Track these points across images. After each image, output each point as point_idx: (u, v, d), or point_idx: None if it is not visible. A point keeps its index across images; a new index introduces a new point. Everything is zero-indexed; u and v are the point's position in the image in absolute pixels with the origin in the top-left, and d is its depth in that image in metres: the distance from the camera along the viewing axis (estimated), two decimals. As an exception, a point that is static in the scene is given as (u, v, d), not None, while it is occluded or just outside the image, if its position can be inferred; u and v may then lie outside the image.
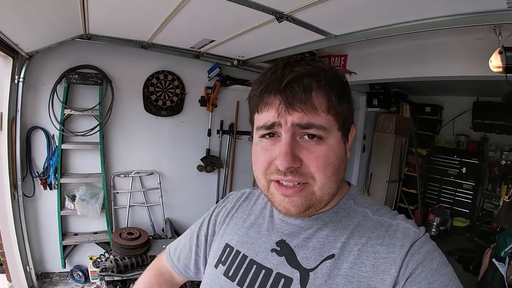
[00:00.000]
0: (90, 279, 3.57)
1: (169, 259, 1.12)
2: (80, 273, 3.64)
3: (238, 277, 0.82)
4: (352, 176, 6.23)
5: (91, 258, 3.64)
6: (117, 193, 3.85)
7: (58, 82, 3.40)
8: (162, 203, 4.00)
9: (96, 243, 3.68)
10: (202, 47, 3.47)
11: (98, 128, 3.53)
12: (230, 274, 0.84)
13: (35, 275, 3.41)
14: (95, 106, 3.52)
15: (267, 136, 0.74)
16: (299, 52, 3.22)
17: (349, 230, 0.75)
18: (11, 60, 2.99)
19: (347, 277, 0.69)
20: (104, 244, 3.69)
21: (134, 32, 3.19)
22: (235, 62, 3.97)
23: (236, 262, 0.85)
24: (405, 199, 6.48)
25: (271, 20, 2.37)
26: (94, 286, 3.40)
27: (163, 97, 3.93)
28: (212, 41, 3.22)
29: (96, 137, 3.58)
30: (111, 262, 3.11)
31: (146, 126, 3.94)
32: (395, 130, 6.01)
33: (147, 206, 3.99)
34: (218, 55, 3.81)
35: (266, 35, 2.86)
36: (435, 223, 5.74)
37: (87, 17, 2.66)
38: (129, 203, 3.87)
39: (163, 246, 1.21)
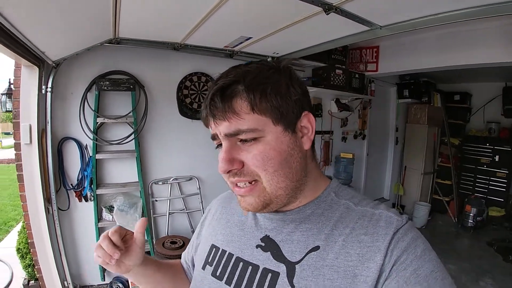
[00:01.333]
0: (132, 291, 3.36)
1: (182, 258, 1.16)
2: (120, 285, 3.42)
3: (226, 276, 0.82)
4: (386, 170, 6.06)
5: (131, 270, 3.42)
6: (156, 201, 3.64)
7: (88, 89, 3.20)
8: (203, 208, 3.76)
9: (136, 255, 3.45)
10: (237, 45, 3.24)
11: (133, 135, 3.32)
12: (217, 274, 0.85)
13: (74, 289, 3.23)
14: (129, 113, 3.30)
15: (218, 147, 0.78)
16: (338, 45, 3.09)
17: (332, 221, 0.75)
18: (37, 69, 2.79)
19: (333, 267, 0.69)
20: (145, 254, 3.45)
21: (167, 34, 2.98)
22: (269, 60, 3.70)
23: (223, 261, 0.86)
24: (439, 191, 6.22)
25: (318, 13, 2.18)
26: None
27: (198, 100, 3.71)
28: (249, 38, 2.99)
29: (131, 145, 3.36)
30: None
31: (182, 130, 3.72)
32: (427, 121, 5.82)
33: (187, 212, 3.76)
34: (252, 53, 3.56)
35: (305, 30, 2.64)
36: (471, 214, 5.53)
37: (118, 20, 2.46)
38: (169, 210, 3.65)
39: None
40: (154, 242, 3.44)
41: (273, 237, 0.80)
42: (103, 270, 3.38)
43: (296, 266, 0.73)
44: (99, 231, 3.32)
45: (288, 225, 0.79)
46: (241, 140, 0.72)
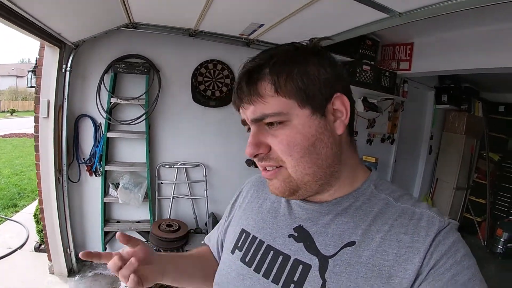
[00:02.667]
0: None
1: (207, 240, 1.12)
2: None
3: (255, 263, 0.78)
4: (415, 180, 5.52)
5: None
6: (162, 183, 3.63)
7: (106, 71, 3.27)
8: (207, 196, 3.72)
9: (137, 232, 3.50)
10: (252, 33, 3.13)
11: (144, 117, 3.32)
12: (247, 260, 0.81)
13: (75, 257, 3.35)
14: (142, 95, 3.31)
15: (249, 131, 0.74)
16: (354, 35, 2.85)
17: (370, 216, 0.70)
18: (58, 50, 2.95)
19: (368, 265, 0.65)
20: (145, 234, 3.50)
21: (179, 20, 2.97)
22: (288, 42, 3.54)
23: (253, 247, 0.81)
24: (471, 209, 5.60)
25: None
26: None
27: (212, 87, 3.63)
28: (261, 25, 2.86)
29: (142, 126, 3.38)
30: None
31: (193, 117, 3.67)
32: (465, 131, 5.27)
33: (191, 198, 3.72)
34: (270, 42, 3.40)
35: (318, 17, 2.48)
36: (502, 239, 4.82)
37: (128, 5, 2.48)
38: (173, 194, 3.64)
39: (202, 242, 1.17)
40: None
41: (307, 228, 0.76)
42: (105, 243, 3.46)
43: (330, 260, 0.69)
44: (105, 205, 3.41)
45: (324, 216, 0.75)
46: (268, 124, 0.70)
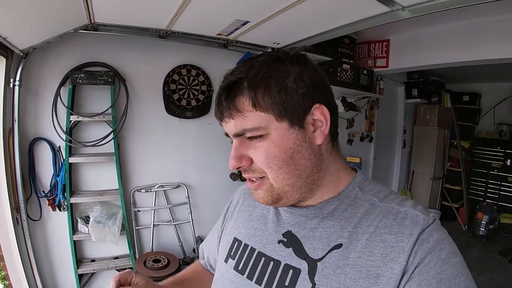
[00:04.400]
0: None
1: (201, 256, 1.13)
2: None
3: (248, 270, 0.79)
4: (392, 175, 5.52)
5: (112, 287, 2.92)
6: (139, 211, 3.09)
7: (62, 84, 2.69)
8: (192, 219, 3.23)
9: (116, 270, 2.92)
10: (232, 32, 2.74)
11: (111, 135, 2.78)
12: (240, 268, 0.81)
13: (48, 305, 2.74)
14: (107, 109, 2.76)
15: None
16: (347, 33, 2.67)
17: (356, 218, 0.70)
18: (4, 60, 2.38)
19: (356, 266, 0.65)
20: (126, 271, 2.96)
21: (149, 19, 2.52)
22: (269, 51, 3.18)
23: (245, 255, 0.82)
24: (448, 197, 5.72)
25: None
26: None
27: (187, 96, 3.16)
28: (246, 22, 2.48)
29: (110, 147, 2.83)
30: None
31: (169, 130, 3.19)
32: (437, 122, 5.31)
33: (175, 224, 3.22)
34: (249, 43, 3.04)
35: (310, 12, 2.21)
36: (483, 222, 5.05)
37: (90, 1, 2.03)
38: (154, 222, 3.11)
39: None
40: (136, 258, 2.92)
41: (295, 233, 0.76)
42: (80, 283, 2.86)
43: (318, 263, 0.69)
44: (75, 244, 2.82)
45: (311, 220, 0.75)
46: (249, 137, 0.70)
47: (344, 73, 3.76)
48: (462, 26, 3.13)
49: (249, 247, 0.83)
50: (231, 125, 0.70)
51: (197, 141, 3.30)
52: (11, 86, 2.46)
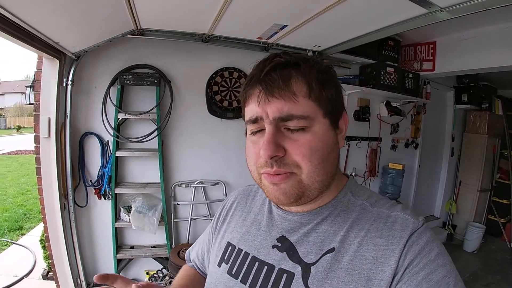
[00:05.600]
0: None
1: (187, 259, 1.13)
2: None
3: (242, 274, 0.79)
4: (438, 184, 5.14)
5: (147, 273, 3.07)
6: (178, 204, 3.19)
7: (112, 84, 2.86)
8: (228, 216, 3.28)
9: (153, 258, 3.09)
10: (271, 36, 2.73)
11: (156, 133, 2.91)
12: (233, 272, 0.80)
13: (86, 287, 2.92)
14: (152, 109, 2.88)
15: (256, 132, 0.71)
16: (388, 34, 2.48)
17: (348, 223, 0.71)
18: (57, 62, 2.53)
19: (348, 269, 0.65)
20: (162, 259, 3.08)
21: (192, 24, 2.57)
22: (310, 54, 3.13)
23: (239, 260, 0.82)
24: (495, 211, 5.20)
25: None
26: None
27: (228, 97, 3.20)
28: (284, 26, 2.47)
29: (154, 143, 2.96)
30: (165, 284, 2.60)
31: (210, 130, 3.24)
32: (487, 130, 4.87)
33: (211, 219, 3.28)
34: (290, 46, 3.00)
35: (348, 15, 2.16)
36: None
37: (134, 9, 2.12)
38: (191, 215, 3.20)
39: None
40: (172, 248, 3.04)
41: (289, 238, 0.76)
42: (119, 272, 3.02)
43: (312, 267, 0.69)
44: (116, 231, 3.00)
45: (305, 226, 0.75)
46: (289, 128, 0.66)
47: (388, 76, 3.62)
48: (503, 29, 2.94)
49: (243, 251, 0.82)
50: (276, 106, 0.65)
51: (237, 142, 3.32)
52: (64, 85, 2.65)
